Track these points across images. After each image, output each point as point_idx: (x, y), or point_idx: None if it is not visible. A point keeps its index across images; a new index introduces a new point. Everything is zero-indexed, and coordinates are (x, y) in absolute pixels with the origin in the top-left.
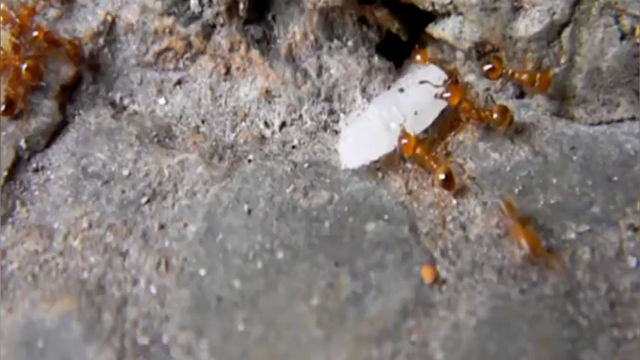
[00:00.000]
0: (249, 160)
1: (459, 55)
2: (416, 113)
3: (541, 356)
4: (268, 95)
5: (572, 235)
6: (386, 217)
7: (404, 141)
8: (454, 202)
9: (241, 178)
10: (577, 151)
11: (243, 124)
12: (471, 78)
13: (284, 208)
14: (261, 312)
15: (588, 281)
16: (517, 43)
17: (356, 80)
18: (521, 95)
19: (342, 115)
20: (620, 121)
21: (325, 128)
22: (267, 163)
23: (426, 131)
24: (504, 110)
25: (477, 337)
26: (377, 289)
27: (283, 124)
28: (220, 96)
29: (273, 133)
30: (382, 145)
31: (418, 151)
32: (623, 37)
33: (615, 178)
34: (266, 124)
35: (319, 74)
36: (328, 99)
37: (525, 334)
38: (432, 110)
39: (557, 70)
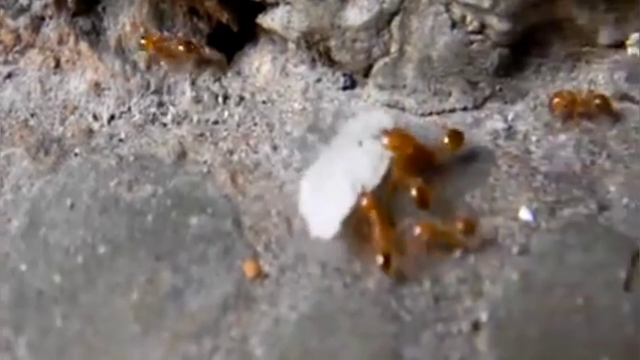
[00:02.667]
0: (76, 154)
1: (291, 45)
2: (375, 169)
3: (362, 352)
4: (97, 88)
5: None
6: (209, 210)
7: (364, 201)
8: (279, 194)
9: (67, 172)
10: None
11: (72, 117)
12: (301, 69)
13: (107, 202)
14: (80, 307)
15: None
16: (346, 33)
17: (185, 72)
18: (351, 86)
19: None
20: (452, 111)
21: (153, 121)
22: (94, 156)
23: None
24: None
25: (297, 332)
26: (198, 283)
27: (112, 118)
28: (50, 89)
29: (101, 126)
30: (347, 204)
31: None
32: (453, 26)
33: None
34: (95, 117)
35: (149, 67)
36: (158, 91)
37: (347, 329)
38: (381, 158)
39: (387, 59)
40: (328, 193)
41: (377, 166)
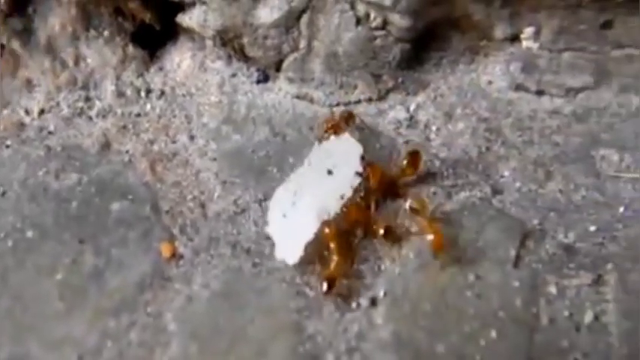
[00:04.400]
0: (7, 146)
1: (208, 42)
2: (341, 197)
3: (268, 326)
4: (29, 84)
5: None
6: (130, 196)
7: (326, 230)
8: (195, 181)
9: None
10: (315, 132)
11: (5, 112)
12: (218, 64)
13: (36, 189)
14: (9, 287)
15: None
16: (258, 30)
17: (111, 69)
18: (264, 79)
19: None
20: (358, 102)
21: (80, 115)
22: (24, 148)
23: None
24: (414, 155)
25: (208, 308)
26: (118, 264)
27: (42, 111)
28: None
29: (32, 119)
30: (311, 231)
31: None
32: (358, 23)
33: None
34: (26, 111)
35: (76, 63)
36: (85, 87)
37: (254, 306)
38: (349, 187)
39: (296, 55)
40: (295, 220)
41: (343, 194)
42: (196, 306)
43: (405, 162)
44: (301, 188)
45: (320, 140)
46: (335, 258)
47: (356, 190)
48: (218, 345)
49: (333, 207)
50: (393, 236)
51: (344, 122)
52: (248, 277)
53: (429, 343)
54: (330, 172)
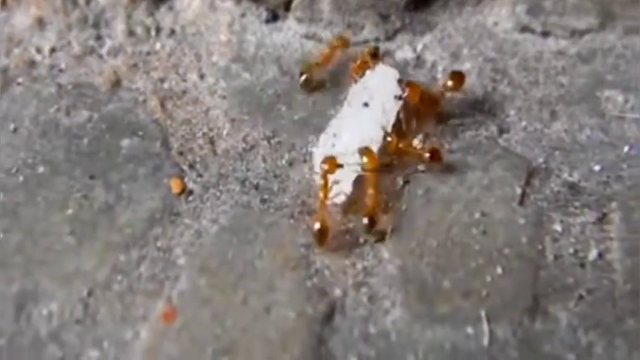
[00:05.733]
0: (19, 83)
1: None
2: (383, 127)
3: (276, 259)
4: (40, 23)
5: (314, 149)
6: (140, 133)
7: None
8: (205, 118)
9: (10, 100)
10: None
11: (16, 50)
12: (228, 4)
13: (47, 126)
14: (20, 221)
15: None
16: None
17: (121, 7)
18: (273, 19)
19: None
20: (366, 42)
21: (91, 53)
22: (35, 85)
23: None
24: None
25: (217, 242)
26: (127, 199)
27: (53, 50)
28: None
29: (43, 57)
30: (354, 167)
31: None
32: None
33: None
34: (37, 49)
35: (88, 2)
36: (96, 25)
37: (262, 240)
38: (390, 115)
39: None
40: (338, 153)
41: (384, 124)
42: (205, 240)
43: (448, 80)
44: (340, 129)
45: (355, 80)
46: (372, 192)
47: (399, 118)
48: (226, 279)
49: (375, 139)
50: (440, 158)
51: (371, 58)
52: (257, 213)
53: (434, 278)
54: (366, 105)
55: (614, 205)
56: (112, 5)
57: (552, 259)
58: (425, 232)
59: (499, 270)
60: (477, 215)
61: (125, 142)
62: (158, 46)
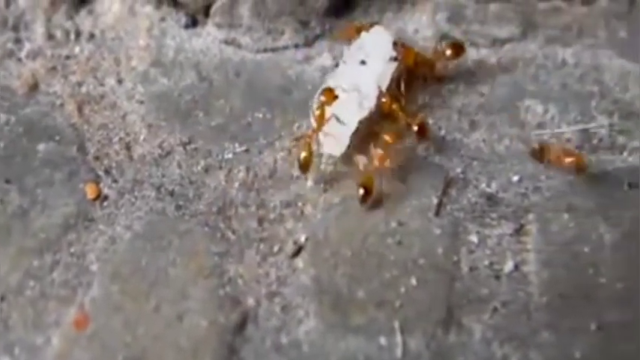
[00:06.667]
0: None
1: None
2: (379, 87)
3: (189, 268)
4: None
5: (230, 155)
6: (57, 137)
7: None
8: (122, 123)
9: None
10: (241, 77)
11: None
12: (147, 8)
13: None
14: None
15: (240, 198)
16: None
17: (41, 11)
18: (193, 24)
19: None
20: (285, 48)
21: (10, 56)
22: None
23: None
24: (458, 46)
25: (130, 249)
26: (42, 204)
27: None
28: None
29: None
30: (353, 124)
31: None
32: None
33: (275, 102)
34: None
35: (7, 5)
36: (15, 28)
37: (176, 248)
38: (385, 75)
39: (224, 0)
40: (337, 112)
41: (380, 83)
42: (119, 247)
43: (445, 47)
44: (338, 84)
45: (350, 40)
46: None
47: (393, 79)
48: (139, 286)
49: (372, 95)
50: (426, 134)
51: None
52: (171, 220)
53: (349, 289)
54: (363, 62)
55: (531, 216)
56: (32, 8)
57: (467, 270)
58: (340, 242)
59: (414, 281)
60: (393, 225)
61: (41, 147)
62: (77, 49)
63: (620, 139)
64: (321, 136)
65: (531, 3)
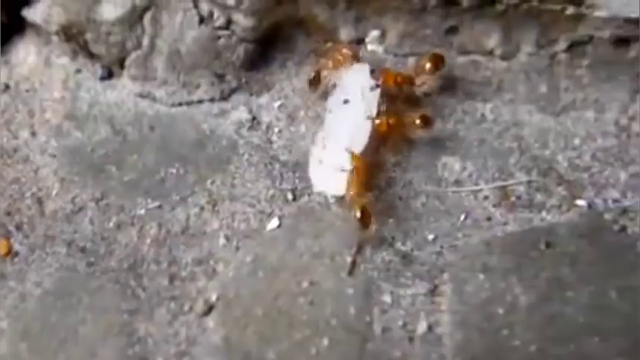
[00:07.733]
0: None
1: (54, 37)
2: (368, 117)
3: (99, 326)
4: None
5: (142, 211)
6: None
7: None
8: (34, 178)
9: None
10: (156, 131)
11: None
12: (63, 60)
13: None
14: None
15: (152, 255)
16: (101, 26)
17: None
18: (108, 76)
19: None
20: (200, 102)
21: None
22: None
23: None
24: (436, 57)
25: (40, 306)
26: None
27: None
28: None
29: None
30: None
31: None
32: (201, 21)
33: (189, 157)
34: None
35: None
36: None
37: (86, 305)
38: (372, 105)
39: (139, 52)
40: (330, 159)
41: (369, 114)
42: (28, 304)
43: (425, 61)
44: (328, 132)
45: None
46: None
47: (380, 105)
48: (48, 344)
49: (364, 129)
50: (430, 122)
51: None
52: (82, 276)
53: (259, 349)
54: (346, 102)
55: (446, 276)
56: None
57: (380, 331)
58: (251, 301)
59: (325, 342)
60: (306, 284)
61: None
62: None
63: (539, 197)
64: (317, 181)
65: (449, 57)
